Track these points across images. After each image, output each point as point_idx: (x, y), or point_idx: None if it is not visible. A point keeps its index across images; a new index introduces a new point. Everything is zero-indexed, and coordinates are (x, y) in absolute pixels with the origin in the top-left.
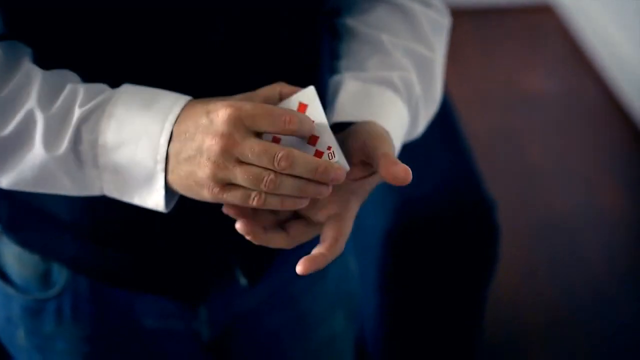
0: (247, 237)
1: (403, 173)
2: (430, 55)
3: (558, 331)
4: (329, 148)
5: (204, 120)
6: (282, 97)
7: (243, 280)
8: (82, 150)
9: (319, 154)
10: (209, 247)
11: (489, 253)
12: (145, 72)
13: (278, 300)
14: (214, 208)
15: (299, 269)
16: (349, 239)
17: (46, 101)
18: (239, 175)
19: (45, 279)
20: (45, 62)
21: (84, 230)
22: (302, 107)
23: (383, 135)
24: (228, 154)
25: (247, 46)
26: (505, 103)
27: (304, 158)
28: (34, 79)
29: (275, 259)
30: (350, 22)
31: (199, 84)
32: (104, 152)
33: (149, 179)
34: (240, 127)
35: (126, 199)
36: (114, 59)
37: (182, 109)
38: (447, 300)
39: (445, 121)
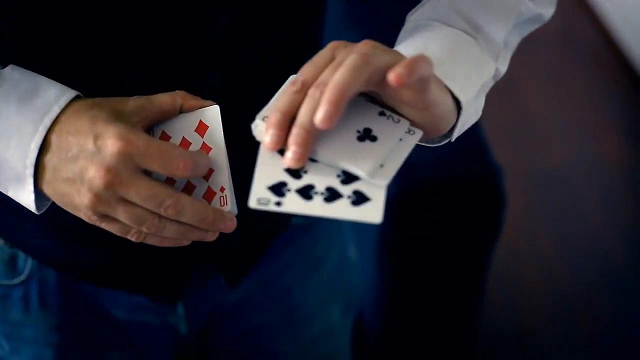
0: None
1: (395, 75)
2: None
3: (555, 286)
4: (222, 189)
5: (90, 146)
6: (182, 110)
7: (222, 279)
8: None
9: (210, 193)
10: (187, 247)
11: (494, 221)
12: (142, 70)
13: (267, 294)
14: None
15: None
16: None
17: None
18: (120, 213)
19: (10, 265)
20: (36, 60)
21: (49, 223)
22: (202, 127)
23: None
24: (112, 191)
25: (247, 46)
26: None
27: (192, 207)
28: None
29: (258, 260)
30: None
31: (196, 82)
32: None
33: (19, 181)
34: (129, 164)
35: (1, 189)
36: (111, 56)
37: (64, 111)
38: (449, 267)
39: None
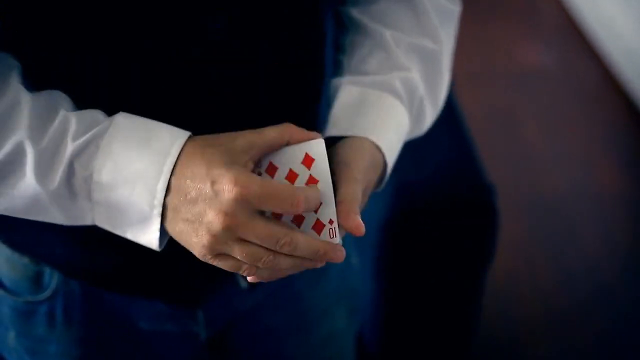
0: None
1: (354, 229)
2: (436, 47)
3: (555, 316)
4: (331, 222)
5: (208, 191)
6: (289, 143)
7: (244, 283)
8: (75, 183)
9: (319, 225)
10: None
11: (488, 239)
12: (142, 70)
13: (279, 298)
14: None
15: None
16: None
17: (37, 132)
18: (237, 251)
19: (36, 281)
20: (35, 69)
21: (74, 234)
22: (308, 160)
23: (349, 168)
24: (230, 232)
25: (247, 46)
26: (500, 79)
27: (306, 243)
28: (23, 104)
29: None
30: (355, 13)
31: (196, 83)
32: (99, 188)
33: (144, 221)
34: (246, 207)
35: (118, 232)
36: (110, 56)
37: (182, 151)
38: (445, 286)
39: (444, 103)
